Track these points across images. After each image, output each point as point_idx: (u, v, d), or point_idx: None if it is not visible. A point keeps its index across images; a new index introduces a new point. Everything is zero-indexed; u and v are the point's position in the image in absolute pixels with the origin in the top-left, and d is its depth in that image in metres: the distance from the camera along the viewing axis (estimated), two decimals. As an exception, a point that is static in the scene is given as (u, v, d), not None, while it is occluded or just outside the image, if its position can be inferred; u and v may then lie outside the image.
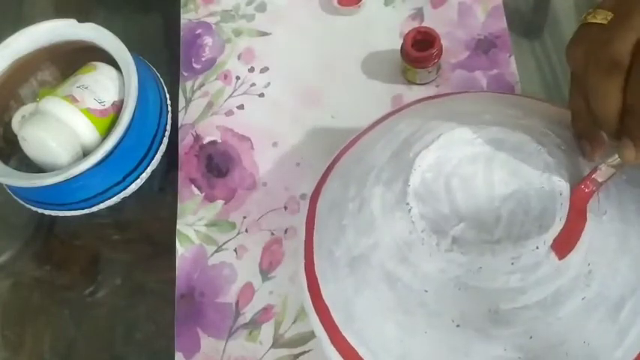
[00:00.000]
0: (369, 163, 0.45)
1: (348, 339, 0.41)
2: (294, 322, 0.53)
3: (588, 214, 0.38)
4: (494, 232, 0.38)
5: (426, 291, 0.38)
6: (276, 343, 0.53)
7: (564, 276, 0.37)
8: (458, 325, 0.38)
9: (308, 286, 0.44)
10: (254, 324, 0.54)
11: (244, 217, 0.58)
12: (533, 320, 0.37)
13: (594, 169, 0.39)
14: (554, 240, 0.37)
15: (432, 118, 0.45)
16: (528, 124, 0.43)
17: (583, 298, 0.37)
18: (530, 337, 0.37)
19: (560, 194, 0.38)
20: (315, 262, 0.44)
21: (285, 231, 0.57)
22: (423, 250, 0.39)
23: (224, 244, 0.57)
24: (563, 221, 0.38)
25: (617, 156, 0.38)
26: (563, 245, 0.37)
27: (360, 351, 0.40)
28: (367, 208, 0.42)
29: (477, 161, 0.41)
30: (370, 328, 0.40)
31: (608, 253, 0.38)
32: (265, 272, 0.55)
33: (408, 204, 0.40)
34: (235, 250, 0.56)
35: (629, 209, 0.40)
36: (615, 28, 0.36)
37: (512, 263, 0.37)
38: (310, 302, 0.44)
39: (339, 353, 0.41)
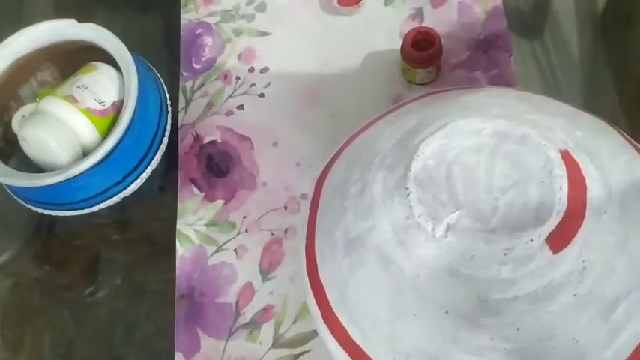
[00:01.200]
0: (375, 149, 0.45)
1: (340, 318, 0.41)
2: (294, 322, 0.53)
3: (587, 212, 0.38)
4: (490, 222, 0.38)
5: (418, 275, 0.39)
6: (276, 343, 0.53)
7: (557, 270, 0.37)
8: (447, 312, 0.38)
9: (307, 266, 0.45)
10: (254, 324, 0.54)
11: (244, 217, 0.58)
12: (522, 312, 0.37)
13: None
14: (550, 234, 0.37)
15: (441, 108, 0.46)
16: (535, 119, 0.43)
17: (575, 294, 0.37)
18: (518, 329, 0.37)
19: (560, 189, 0.38)
20: (316, 242, 0.45)
21: (285, 231, 0.57)
22: (418, 235, 0.39)
23: (224, 244, 0.57)
24: (561, 216, 0.38)
25: None
26: (559, 240, 0.37)
27: (350, 330, 0.41)
28: (368, 191, 0.42)
29: (481, 152, 0.41)
30: (362, 309, 0.41)
31: (605, 252, 0.38)
32: (265, 272, 0.55)
33: (407, 189, 0.40)
34: (235, 250, 0.56)
35: (631, 211, 0.40)
36: None
37: (505, 254, 0.37)
38: (307, 281, 0.44)
39: (331, 332, 0.42)
